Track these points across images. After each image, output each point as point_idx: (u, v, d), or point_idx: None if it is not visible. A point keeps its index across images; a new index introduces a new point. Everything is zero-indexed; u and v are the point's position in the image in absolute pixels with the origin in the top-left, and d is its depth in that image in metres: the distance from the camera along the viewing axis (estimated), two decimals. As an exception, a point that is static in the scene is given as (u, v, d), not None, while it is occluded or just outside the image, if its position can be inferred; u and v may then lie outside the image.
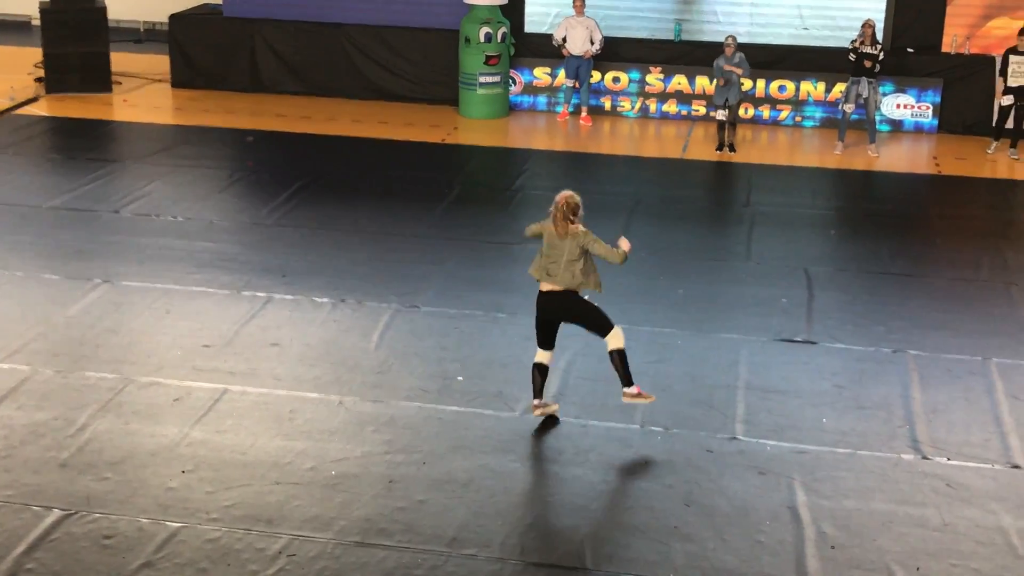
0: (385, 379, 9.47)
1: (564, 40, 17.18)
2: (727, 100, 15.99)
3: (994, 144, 16.10)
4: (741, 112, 17.37)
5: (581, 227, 8.61)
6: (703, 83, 17.37)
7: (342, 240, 12.46)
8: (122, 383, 9.26)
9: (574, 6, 17.12)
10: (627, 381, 8.71)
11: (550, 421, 8.87)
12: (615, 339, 8.68)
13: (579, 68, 17.27)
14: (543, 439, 8.65)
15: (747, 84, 17.24)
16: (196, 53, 18.71)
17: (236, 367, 9.59)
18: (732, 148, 16.11)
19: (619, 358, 8.68)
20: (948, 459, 8.50)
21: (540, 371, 8.86)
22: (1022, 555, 7.42)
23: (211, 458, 8.29)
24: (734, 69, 15.85)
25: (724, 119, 16.09)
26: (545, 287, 8.68)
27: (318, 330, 10.32)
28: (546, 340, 8.84)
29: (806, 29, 17.44)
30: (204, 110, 17.62)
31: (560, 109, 17.74)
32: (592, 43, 17.10)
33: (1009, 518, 7.80)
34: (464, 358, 9.85)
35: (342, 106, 17.99)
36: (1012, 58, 15.63)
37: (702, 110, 17.40)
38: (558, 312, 8.73)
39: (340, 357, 9.81)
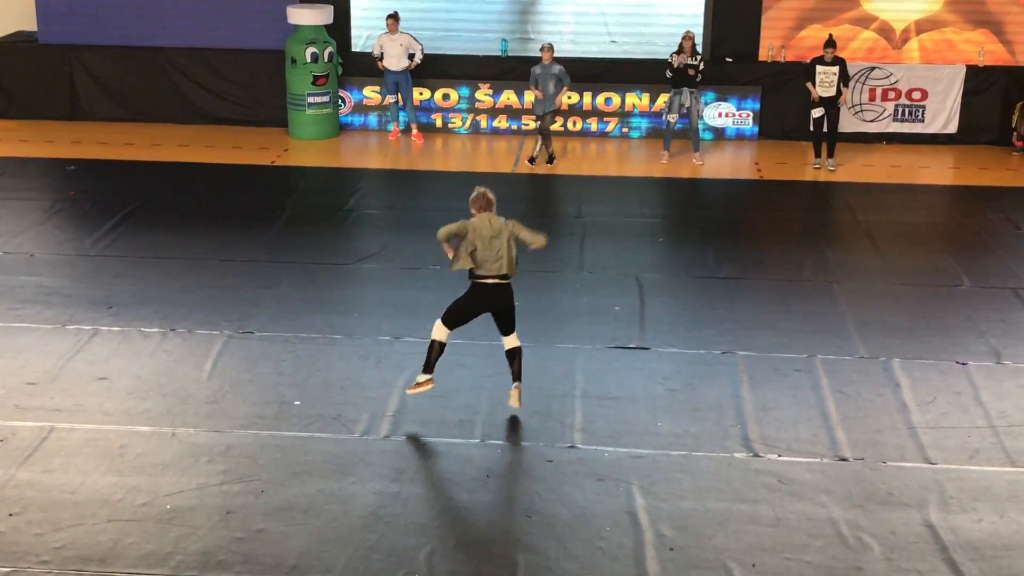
0: (219, 408, 9.28)
1: (381, 56, 17.18)
2: (544, 111, 16.17)
3: (816, 159, 16.40)
4: (570, 125, 17.65)
5: None
6: (531, 98, 17.54)
7: (170, 268, 12.18)
8: (-60, 427, 8.88)
9: (386, 24, 17.11)
10: (517, 377, 9.19)
11: (386, 443, 8.83)
12: (516, 338, 9.23)
13: (398, 84, 17.28)
14: (383, 459, 8.59)
15: (574, 97, 17.51)
16: (12, 82, 18.08)
17: (62, 404, 9.28)
18: (550, 160, 16.26)
19: (519, 355, 9.22)
20: (779, 455, 8.75)
21: (441, 348, 9.11)
22: (852, 545, 7.68)
23: (39, 499, 7.99)
24: (564, 92, 16.04)
25: (540, 129, 16.26)
26: (490, 280, 8.94)
27: (148, 361, 10.06)
28: (461, 324, 9.12)
29: (614, 42, 17.80)
30: (22, 140, 17.03)
31: (391, 127, 17.71)
32: (411, 57, 17.14)
33: (838, 509, 8.07)
34: (300, 382, 9.73)
35: (167, 131, 17.61)
36: (819, 68, 16.00)
37: (532, 124, 17.59)
38: (496, 303, 9.04)
39: (172, 388, 9.58)
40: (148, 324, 10.77)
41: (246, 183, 15.36)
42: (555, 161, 16.28)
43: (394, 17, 17.09)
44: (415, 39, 17.21)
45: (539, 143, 16.30)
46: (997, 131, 17.57)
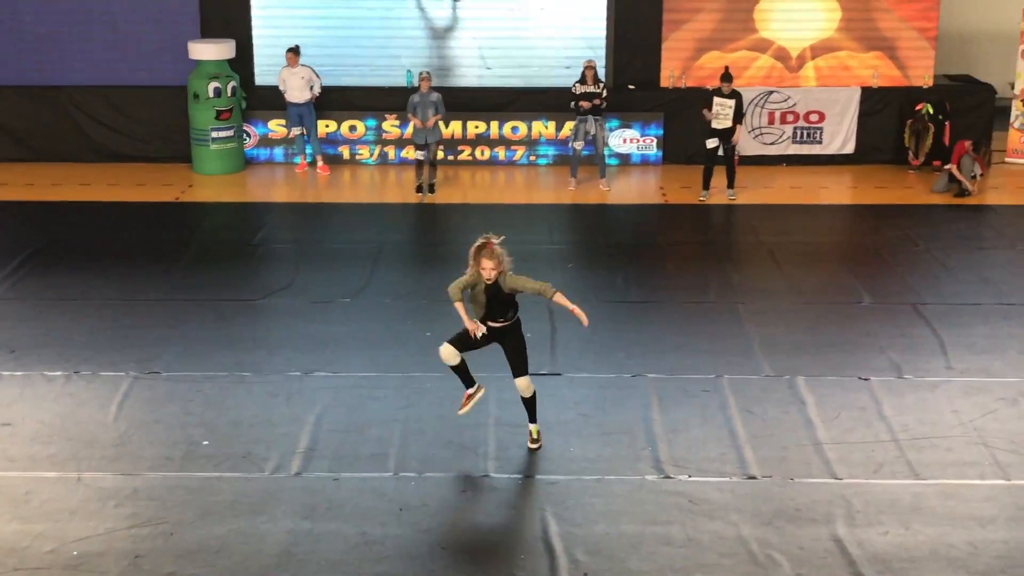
0: (126, 451, 9.15)
1: (284, 90, 17.17)
2: (426, 139, 16.24)
3: (704, 192, 16.15)
4: (478, 154, 17.75)
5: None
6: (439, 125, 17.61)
7: (74, 310, 11.99)
8: None
9: (286, 58, 17.10)
10: (469, 383, 9.18)
11: (298, 480, 8.77)
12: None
13: (302, 116, 17.27)
14: (295, 496, 8.53)
15: (481, 127, 17.64)
16: (-96, 123, 17.73)
17: (-37, 452, 9.08)
18: (432, 189, 16.33)
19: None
20: (689, 476, 8.85)
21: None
22: (762, 562, 7.79)
23: (-60, 552, 7.80)
24: (436, 119, 16.12)
25: (423, 159, 16.33)
26: (496, 324, 8.89)
27: (52, 405, 9.88)
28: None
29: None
30: (-83, 182, 16.68)
31: (297, 160, 17.65)
32: (311, 89, 17.15)
33: (748, 528, 8.18)
34: (209, 422, 9.62)
35: (68, 170, 17.36)
36: (716, 99, 15.88)
37: (440, 154, 17.61)
38: (499, 338, 8.98)
39: (77, 432, 9.42)
40: (51, 367, 10.58)
41: (150, 221, 15.19)
42: (434, 192, 16.29)
43: (294, 51, 17.09)
44: (315, 72, 17.21)
45: (426, 172, 16.35)
46: (893, 151, 18.04)
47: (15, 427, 9.49)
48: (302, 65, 17.14)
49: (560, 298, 8.84)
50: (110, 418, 9.67)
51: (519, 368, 9.02)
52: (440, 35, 18.28)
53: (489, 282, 8.71)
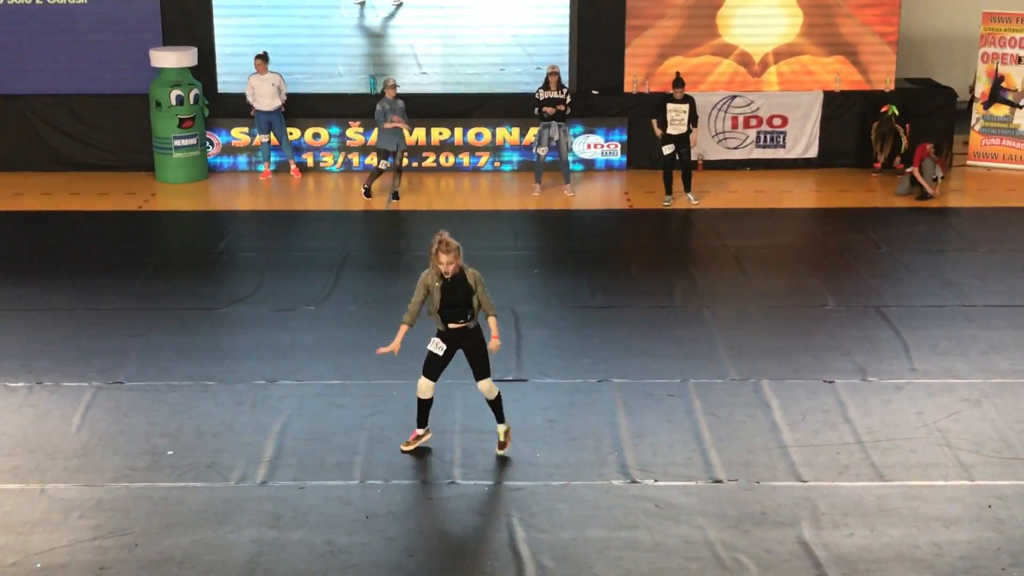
0: (89, 461, 9.06)
1: (253, 97, 17.11)
2: (397, 146, 16.23)
3: (668, 197, 16.20)
4: (442, 160, 17.73)
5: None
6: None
7: (35, 320, 11.88)
8: None
9: (255, 65, 17.04)
10: (423, 423, 9.32)
11: (263, 489, 8.72)
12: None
13: (271, 123, 17.21)
14: (260, 505, 8.48)
15: (445, 133, 17.64)
16: None
17: (-77, 465, 8.97)
18: (396, 196, 16.33)
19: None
20: (655, 480, 8.87)
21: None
22: (729, 566, 7.81)
23: (-101, 567, 7.70)
24: (399, 123, 16.11)
25: (386, 168, 16.31)
26: (454, 326, 8.98)
27: (14, 416, 9.78)
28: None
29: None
30: None
31: (262, 168, 17.58)
32: (280, 96, 17.12)
33: (714, 531, 8.20)
34: (173, 431, 9.56)
35: (29, 180, 17.21)
36: (669, 106, 15.90)
37: (405, 161, 17.57)
38: (460, 342, 9.07)
39: (39, 443, 9.33)
40: (13, 378, 10.48)
41: (113, 230, 15.08)
42: (400, 197, 16.30)
43: (263, 57, 17.03)
44: (283, 79, 17.17)
45: (396, 177, 16.34)
46: (856, 154, 18.16)
47: (-24, 439, 9.39)
48: (271, 72, 17.08)
49: (493, 322, 9.19)
50: (73, 429, 9.59)
51: (482, 371, 9.11)
52: (403, 40, 18.23)
53: (447, 276, 8.82)
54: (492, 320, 9.16)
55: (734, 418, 9.84)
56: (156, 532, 8.12)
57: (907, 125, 17.64)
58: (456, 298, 8.92)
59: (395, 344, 9.13)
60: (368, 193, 16.33)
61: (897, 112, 17.52)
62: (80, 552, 7.88)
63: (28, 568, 7.70)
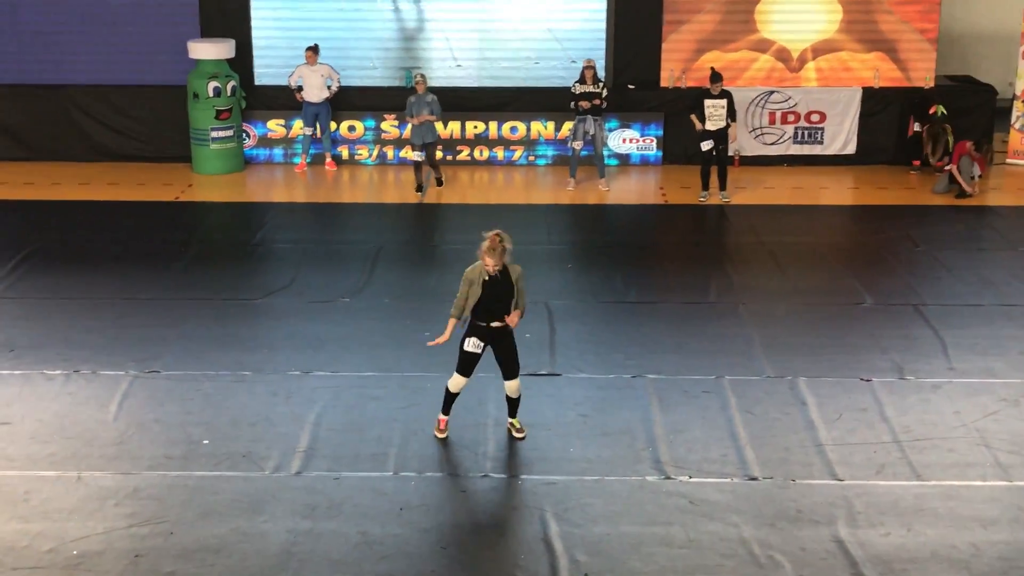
0: (125, 450, 9.12)
1: (300, 88, 17.14)
2: (423, 140, 16.24)
3: (704, 193, 16.14)
4: (476, 154, 17.74)
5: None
6: (438, 127, 17.58)
7: (73, 309, 11.96)
8: None
9: (306, 56, 17.09)
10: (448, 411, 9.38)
11: (298, 479, 8.74)
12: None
13: (317, 115, 17.27)
14: (295, 496, 8.50)
15: (480, 127, 17.63)
16: (-96, 122, 17.70)
17: (-38, 451, 9.05)
18: (439, 183, 16.35)
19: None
20: (690, 477, 8.83)
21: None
22: (763, 564, 7.76)
23: (-62, 551, 7.77)
24: (427, 117, 16.11)
25: (421, 160, 16.31)
26: (496, 323, 9.03)
27: (51, 405, 9.85)
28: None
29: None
30: (-84, 181, 16.66)
31: (298, 160, 17.63)
32: (329, 88, 17.15)
33: (749, 529, 8.15)
34: (209, 421, 9.60)
35: (68, 170, 17.34)
36: (707, 101, 15.83)
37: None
38: (494, 341, 9.11)
39: (76, 431, 9.39)
40: (51, 366, 10.56)
41: (150, 220, 15.17)
42: (443, 184, 16.33)
43: (314, 49, 17.08)
44: (333, 69, 17.21)
45: (427, 172, 16.33)
46: (894, 151, 18.02)
47: (14, 426, 9.46)
48: (320, 63, 17.13)
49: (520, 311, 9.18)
50: (110, 417, 9.65)
51: (513, 371, 9.21)
52: (439, 35, 18.22)
53: (491, 273, 8.90)
54: (519, 310, 9.16)
55: (769, 415, 9.79)
56: (191, 521, 8.16)
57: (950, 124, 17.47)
58: (498, 296, 8.97)
59: (445, 335, 9.19)
60: (420, 189, 16.27)
61: (945, 112, 17.33)
62: (116, 540, 7.92)
63: (64, 555, 7.75)
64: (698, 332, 11.57)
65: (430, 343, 9.28)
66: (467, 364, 9.17)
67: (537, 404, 9.92)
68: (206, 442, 9.25)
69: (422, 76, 16.33)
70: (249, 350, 10.98)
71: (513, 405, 9.38)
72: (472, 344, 9.09)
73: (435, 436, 9.34)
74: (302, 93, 17.16)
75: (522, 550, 7.87)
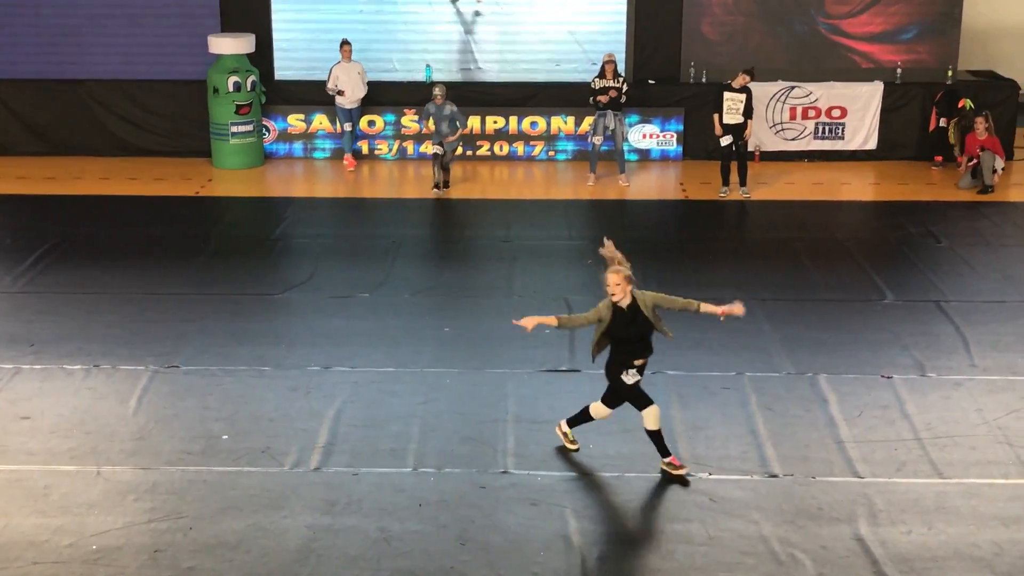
0: (145, 444, 9.14)
1: (341, 92, 17.06)
2: (442, 143, 16.13)
3: (724, 189, 16.04)
4: (496, 149, 17.71)
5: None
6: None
7: (93, 303, 11.99)
8: None
9: (341, 52, 17.04)
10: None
11: (317, 475, 8.74)
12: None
13: (352, 112, 17.26)
14: (314, 491, 8.50)
15: (500, 122, 17.60)
16: (-74, 117, 17.78)
17: (-17, 445, 9.08)
18: (446, 185, 16.22)
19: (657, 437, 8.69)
20: (710, 474, 8.79)
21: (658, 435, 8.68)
22: (784, 561, 7.72)
23: (-41, 545, 7.80)
24: (451, 138, 16.05)
25: (439, 151, 16.21)
26: (639, 361, 8.50)
27: (71, 399, 9.88)
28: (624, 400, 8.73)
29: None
30: (-62, 176, 16.73)
31: (347, 156, 17.48)
32: (364, 85, 17.16)
33: (770, 526, 8.12)
34: (228, 416, 9.61)
35: (88, 164, 17.39)
36: (726, 95, 15.74)
37: (459, 149, 17.51)
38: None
39: (96, 426, 9.42)
40: (71, 361, 10.59)
41: (170, 215, 15.19)
42: (448, 188, 16.24)
43: (347, 44, 17.00)
44: (364, 69, 17.20)
45: (438, 172, 16.24)
46: (916, 146, 17.90)
47: (34, 421, 9.50)
48: (353, 61, 17.09)
49: (707, 307, 8.58)
50: (129, 412, 9.67)
51: (646, 401, 8.62)
52: (459, 29, 18.18)
53: (619, 304, 8.27)
54: (705, 305, 8.54)
55: (790, 412, 9.74)
56: (211, 516, 8.17)
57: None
58: (635, 332, 8.35)
59: (535, 320, 8.39)
60: (437, 186, 16.21)
61: (973, 106, 17.19)
62: (135, 534, 7.94)
63: (84, 550, 7.77)
64: (718, 328, 11.44)
65: (516, 322, 8.48)
66: (615, 398, 8.63)
67: (557, 400, 9.90)
68: (225, 437, 9.26)
69: (442, 88, 16.10)
70: (268, 345, 10.98)
71: (658, 442, 8.64)
72: (629, 376, 8.45)
73: (565, 446, 9.04)
74: (341, 96, 17.06)
75: (541, 547, 7.85)
